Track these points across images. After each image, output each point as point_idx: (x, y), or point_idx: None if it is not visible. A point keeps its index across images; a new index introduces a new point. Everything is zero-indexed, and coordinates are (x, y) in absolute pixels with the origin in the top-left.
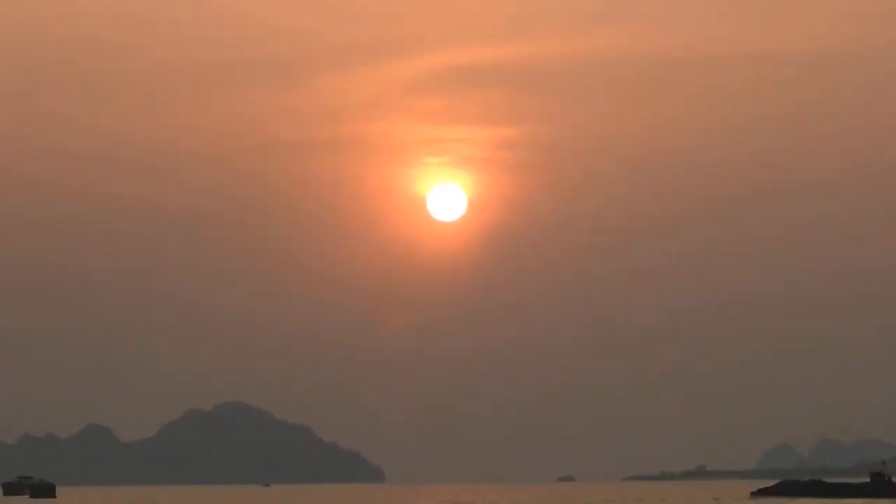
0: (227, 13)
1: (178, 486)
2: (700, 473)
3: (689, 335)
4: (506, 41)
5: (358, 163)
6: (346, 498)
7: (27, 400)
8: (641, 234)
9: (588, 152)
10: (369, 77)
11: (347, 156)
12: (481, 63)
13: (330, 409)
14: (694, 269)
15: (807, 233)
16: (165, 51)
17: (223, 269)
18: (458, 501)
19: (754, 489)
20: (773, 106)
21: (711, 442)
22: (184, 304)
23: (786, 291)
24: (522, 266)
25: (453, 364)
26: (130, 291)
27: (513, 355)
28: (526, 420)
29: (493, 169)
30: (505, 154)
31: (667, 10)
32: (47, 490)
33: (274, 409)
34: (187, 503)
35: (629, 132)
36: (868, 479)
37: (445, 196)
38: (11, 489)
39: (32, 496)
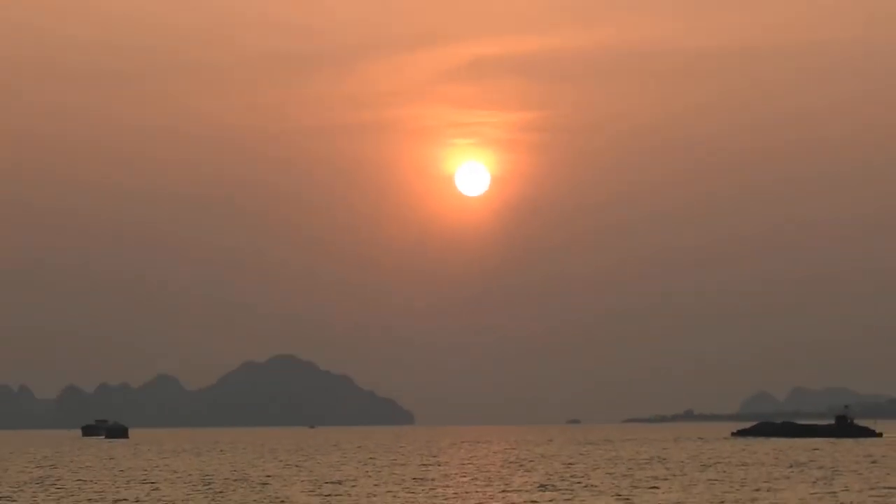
0: (284, 15)
1: (235, 429)
2: (688, 417)
3: (683, 308)
4: (526, 33)
5: (392, 144)
6: (381, 438)
7: (104, 353)
8: (650, 210)
9: (601, 134)
10: (402, 68)
11: (380, 138)
12: (504, 53)
13: (368, 362)
14: (689, 256)
15: (782, 187)
16: (245, 42)
17: (281, 234)
18: (477, 440)
19: (735, 430)
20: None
21: (698, 390)
22: (245, 267)
23: (766, 282)
24: (541, 234)
25: (477, 326)
26: (199, 256)
27: (530, 313)
28: (539, 372)
29: (514, 149)
30: (525, 135)
31: (675, 4)
32: (121, 432)
33: (319, 362)
34: (243, 443)
35: (640, 116)
36: (833, 422)
37: (471, 173)
38: (90, 431)
39: (108, 437)
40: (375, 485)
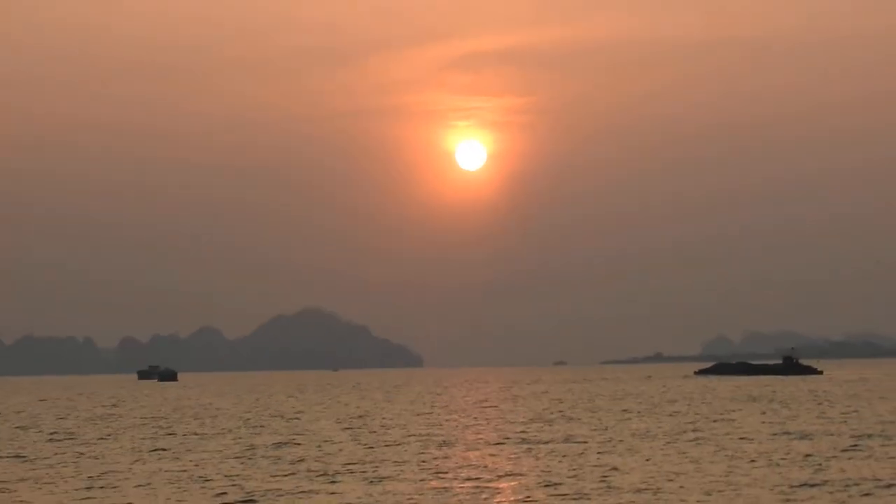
0: (307, 16)
1: (268, 372)
2: (658, 358)
3: (652, 260)
4: (514, 32)
5: (402, 125)
6: (394, 378)
7: (157, 307)
8: (624, 180)
9: (584, 117)
10: (411, 61)
11: (393, 120)
12: (498, 47)
13: (383, 314)
14: (654, 212)
15: (735, 153)
16: (283, 40)
17: (312, 200)
18: (477, 379)
19: (697, 369)
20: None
21: (666, 335)
22: (281, 231)
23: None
24: (530, 203)
25: (476, 281)
26: (243, 219)
27: (522, 269)
28: (530, 322)
29: (507, 129)
30: (515, 117)
31: (633, 4)
32: (171, 376)
33: (341, 314)
34: (275, 384)
35: (607, 99)
36: (781, 362)
37: (470, 150)
38: (144, 375)
39: (160, 380)
40: (390, 417)
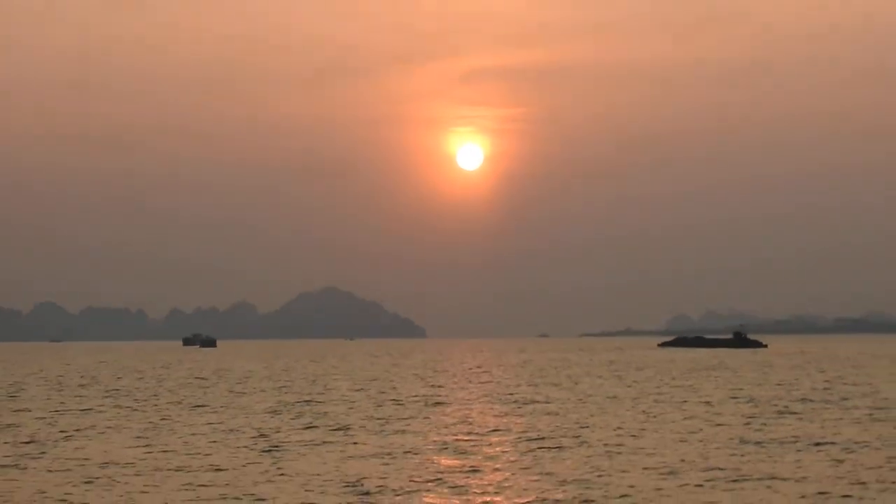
0: (330, 35)
1: (294, 341)
2: (627, 332)
3: (630, 246)
4: (512, 51)
5: (411, 130)
6: (400, 347)
7: (200, 283)
8: (600, 178)
9: (566, 125)
10: (421, 74)
11: (404, 126)
12: (496, 65)
13: (393, 291)
14: (623, 204)
15: (700, 151)
16: (301, 55)
17: (332, 191)
18: (473, 349)
19: (660, 342)
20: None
21: (635, 312)
22: (301, 217)
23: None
24: (523, 199)
25: (473, 262)
26: (278, 208)
27: (511, 252)
28: (518, 299)
29: (501, 135)
30: (510, 125)
31: (612, 29)
32: (211, 343)
33: (356, 291)
34: (300, 351)
35: (591, 112)
36: (731, 336)
37: (469, 153)
38: (188, 342)
39: (202, 347)
40: (399, 379)
